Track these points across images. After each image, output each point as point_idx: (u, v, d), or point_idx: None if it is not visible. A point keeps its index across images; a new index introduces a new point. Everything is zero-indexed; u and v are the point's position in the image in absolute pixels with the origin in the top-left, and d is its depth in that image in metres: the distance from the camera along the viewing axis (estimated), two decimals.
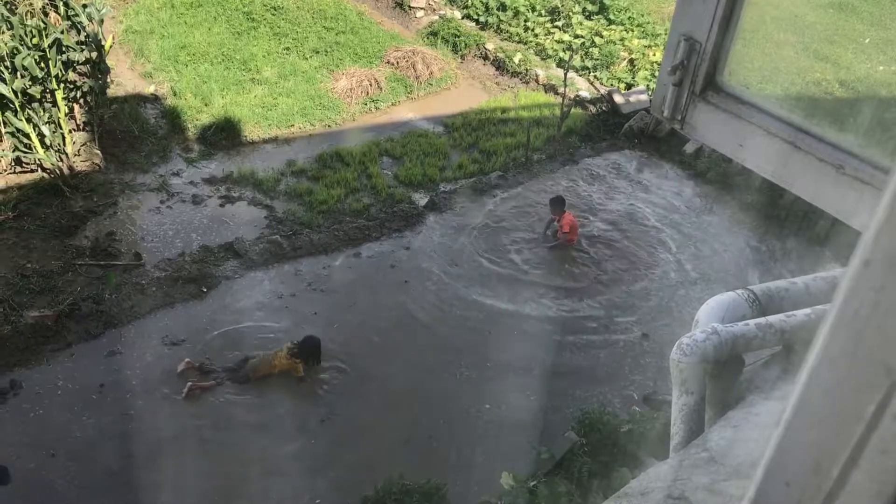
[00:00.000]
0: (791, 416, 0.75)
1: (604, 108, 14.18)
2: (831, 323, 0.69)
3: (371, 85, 14.02)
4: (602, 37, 15.67)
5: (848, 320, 0.67)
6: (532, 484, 5.38)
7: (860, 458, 0.68)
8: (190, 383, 7.95)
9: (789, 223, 10.80)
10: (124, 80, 13.69)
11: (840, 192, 1.44)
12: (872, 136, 1.61)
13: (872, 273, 0.64)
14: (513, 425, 7.83)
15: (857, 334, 0.67)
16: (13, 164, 10.90)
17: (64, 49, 10.75)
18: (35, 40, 10.34)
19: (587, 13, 16.59)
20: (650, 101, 13.51)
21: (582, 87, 14.53)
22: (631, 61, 15.16)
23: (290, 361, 8.09)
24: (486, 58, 15.74)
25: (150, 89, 13.61)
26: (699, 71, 1.70)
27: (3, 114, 10.52)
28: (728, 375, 3.07)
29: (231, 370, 8.22)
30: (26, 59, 10.16)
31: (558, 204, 10.50)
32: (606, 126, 13.70)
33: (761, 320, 3.06)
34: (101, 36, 11.46)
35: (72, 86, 11.24)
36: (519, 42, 16.11)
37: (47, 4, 10.53)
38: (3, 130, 10.68)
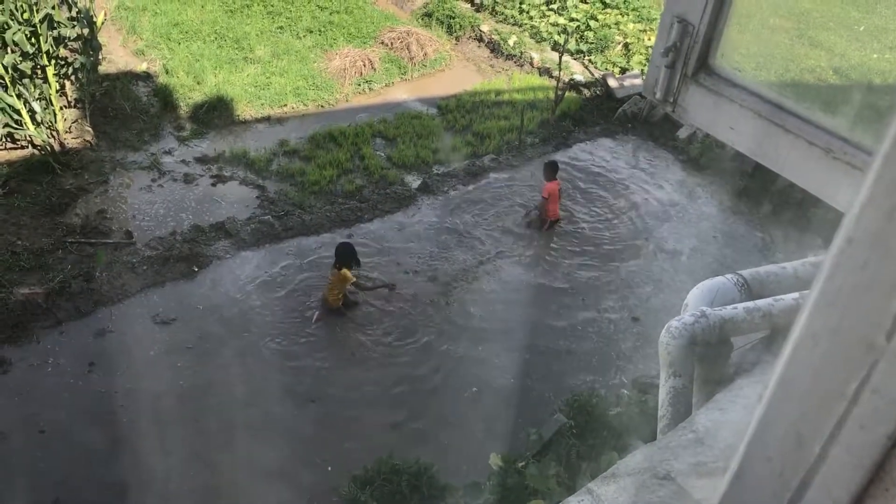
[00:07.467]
0: (773, 392, 0.76)
1: (598, 91, 14.15)
2: (815, 299, 0.70)
3: (365, 65, 13.94)
4: (597, 20, 15.61)
5: (831, 297, 0.68)
6: (520, 465, 5.42)
7: (840, 433, 0.70)
8: (318, 313, 8.86)
9: (781, 209, 10.84)
10: (116, 57, 13.58)
11: (828, 175, 1.45)
12: (862, 122, 1.62)
13: (855, 251, 0.65)
14: (499, 406, 7.87)
15: (839, 311, 0.68)
16: (4, 140, 10.80)
17: (55, 25, 10.64)
18: (26, 15, 10.23)
19: None
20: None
21: (576, 71, 14.50)
22: (626, 45, 15.12)
23: (339, 274, 8.58)
24: (480, 39, 15.67)
25: (142, 67, 13.51)
26: (692, 53, 1.70)
27: None
28: (716, 358, 3.09)
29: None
30: (17, 34, 10.06)
31: (550, 169, 10.41)
32: (600, 110, 13.68)
33: (750, 304, 3.09)
34: (92, 12, 11.35)
35: (63, 62, 11.14)
36: (514, 24, 16.05)
37: None
38: None
